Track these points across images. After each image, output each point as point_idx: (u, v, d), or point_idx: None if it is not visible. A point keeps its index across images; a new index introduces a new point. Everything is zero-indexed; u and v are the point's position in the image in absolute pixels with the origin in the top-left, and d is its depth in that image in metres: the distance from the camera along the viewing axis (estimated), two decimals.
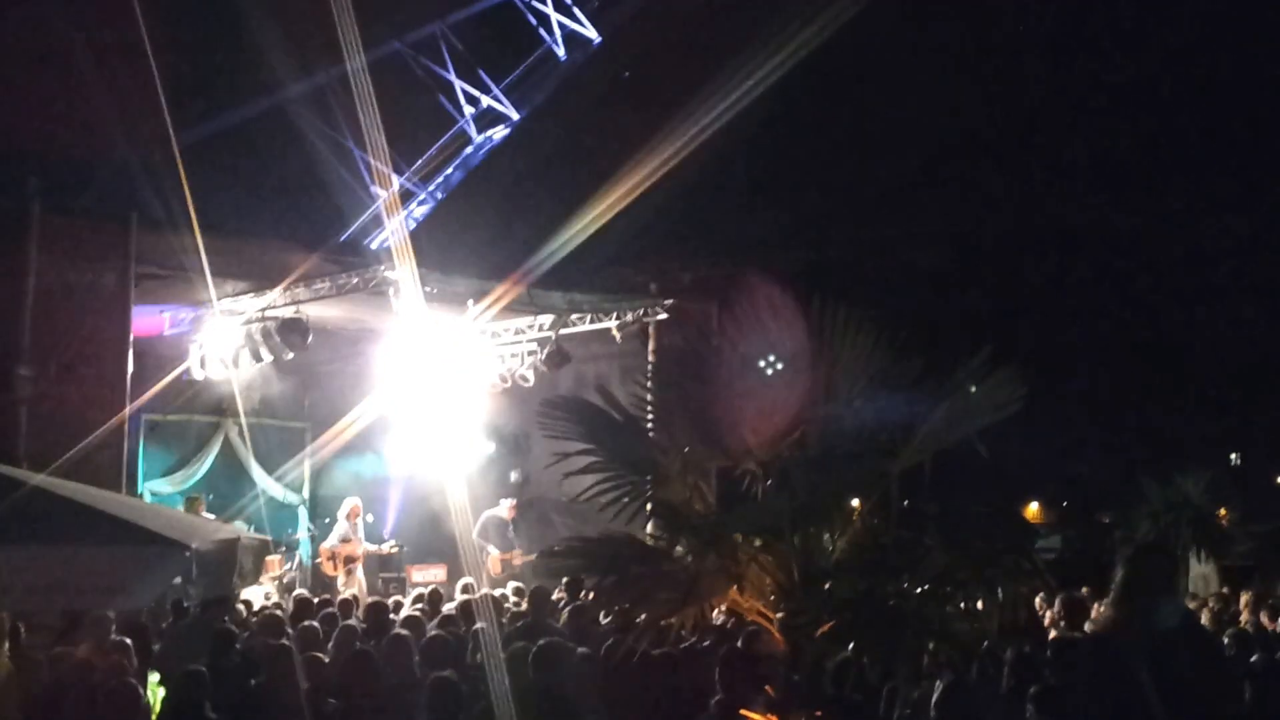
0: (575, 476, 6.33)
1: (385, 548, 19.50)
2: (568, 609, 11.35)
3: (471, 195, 22.05)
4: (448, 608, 12.53)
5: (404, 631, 9.75)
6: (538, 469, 20.71)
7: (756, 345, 6.27)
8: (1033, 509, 39.98)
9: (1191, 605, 13.04)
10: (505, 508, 19.62)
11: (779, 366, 6.15)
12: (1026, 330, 33.36)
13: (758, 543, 6.08)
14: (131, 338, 15.47)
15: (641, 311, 19.56)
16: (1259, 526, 21.66)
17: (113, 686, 6.85)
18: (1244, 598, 13.64)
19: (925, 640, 5.98)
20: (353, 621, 11.02)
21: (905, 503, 6.18)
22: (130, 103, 15.72)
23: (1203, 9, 32.28)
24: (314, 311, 17.28)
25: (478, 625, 9.59)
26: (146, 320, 16.97)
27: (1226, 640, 10.78)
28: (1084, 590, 11.60)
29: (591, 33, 21.04)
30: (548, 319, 19.40)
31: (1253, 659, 9.67)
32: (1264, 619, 12.04)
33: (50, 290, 14.92)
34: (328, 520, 19.69)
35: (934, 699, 6.86)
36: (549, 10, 20.93)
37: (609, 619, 8.84)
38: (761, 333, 6.25)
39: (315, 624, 10.50)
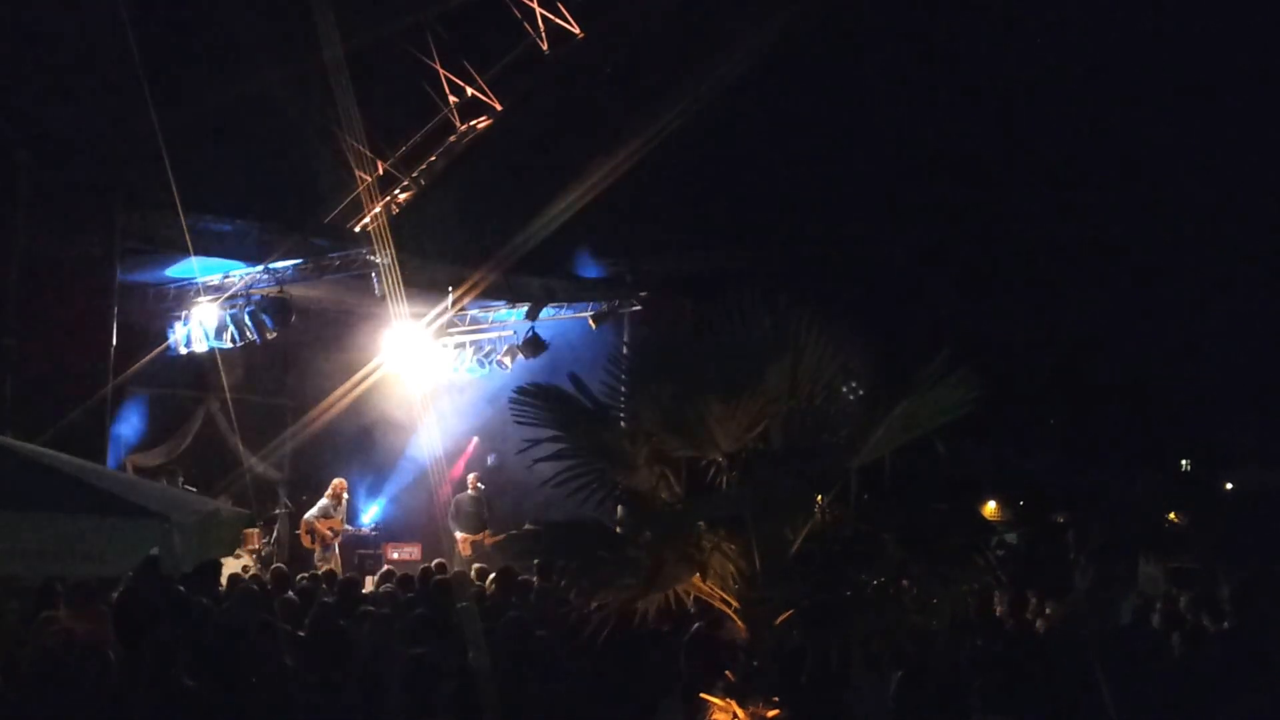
0: (547, 462, 6.41)
1: (365, 528, 19.66)
2: (533, 591, 11.53)
3: (454, 183, 22.19)
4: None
5: (377, 609, 9.94)
6: (513, 453, 20.93)
7: (725, 340, 6.37)
8: (990, 507, 40.26)
9: (1140, 604, 13.40)
10: (469, 485, 19.74)
11: (747, 362, 6.23)
12: (988, 335, 33.62)
13: (721, 532, 6.11)
14: (116, 311, 15.61)
15: (616, 302, 19.82)
16: (1206, 530, 22.07)
17: (85, 653, 6.97)
18: (1183, 599, 13.96)
19: (880, 630, 6.11)
20: (328, 599, 11.21)
21: (864, 497, 6.29)
22: (116, 80, 15.78)
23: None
24: (296, 291, 17.43)
25: (459, 605, 9.77)
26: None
27: (1173, 638, 11.14)
28: (1036, 587, 11.89)
29: (574, 28, 21.24)
30: (525, 307, 19.61)
31: (1194, 655, 10.00)
32: (1205, 620, 12.35)
33: (36, 261, 15.02)
34: (305, 497, 19.87)
35: (892, 689, 7.09)
36: (534, 5, 21.15)
37: (575, 601, 8.99)
38: (730, 328, 6.35)
39: (293, 597, 10.70)
